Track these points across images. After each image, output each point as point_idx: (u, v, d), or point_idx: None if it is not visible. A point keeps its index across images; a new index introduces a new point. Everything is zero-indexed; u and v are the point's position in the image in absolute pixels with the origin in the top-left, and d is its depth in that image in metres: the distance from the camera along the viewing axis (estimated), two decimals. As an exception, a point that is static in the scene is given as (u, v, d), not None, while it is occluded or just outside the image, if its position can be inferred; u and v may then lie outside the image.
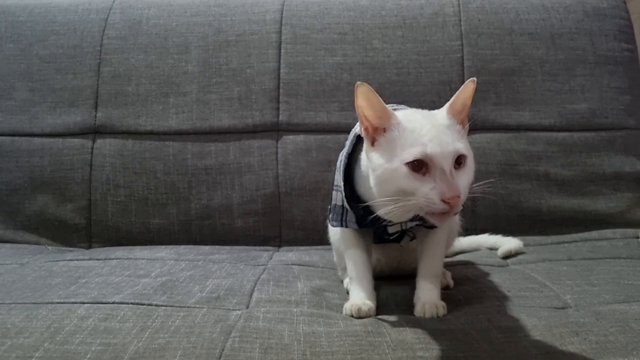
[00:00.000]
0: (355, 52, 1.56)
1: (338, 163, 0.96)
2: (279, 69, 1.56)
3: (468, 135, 1.51)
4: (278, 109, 1.55)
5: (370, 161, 0.84)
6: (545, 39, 1.57)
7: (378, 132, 0.84)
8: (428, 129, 0.80)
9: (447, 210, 0.77)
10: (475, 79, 0.84)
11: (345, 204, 0.93)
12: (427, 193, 0.77)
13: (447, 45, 1.56)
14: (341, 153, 0.96)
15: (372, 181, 0.84)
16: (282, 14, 1.61)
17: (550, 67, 1.56)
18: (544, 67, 1.56)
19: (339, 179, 0.94)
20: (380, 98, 0.82)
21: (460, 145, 0.80)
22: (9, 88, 1.59)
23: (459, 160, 0.80)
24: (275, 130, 1.55)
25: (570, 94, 1.55)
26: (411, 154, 0.78)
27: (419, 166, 0.78)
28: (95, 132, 1.55)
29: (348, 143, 0.94)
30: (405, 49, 1.57)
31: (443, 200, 0.76)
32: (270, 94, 1.55)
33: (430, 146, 0.78)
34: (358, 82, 0.82)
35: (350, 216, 0.94)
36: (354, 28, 1.59)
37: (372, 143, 0.84)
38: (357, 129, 0.91)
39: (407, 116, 0.84)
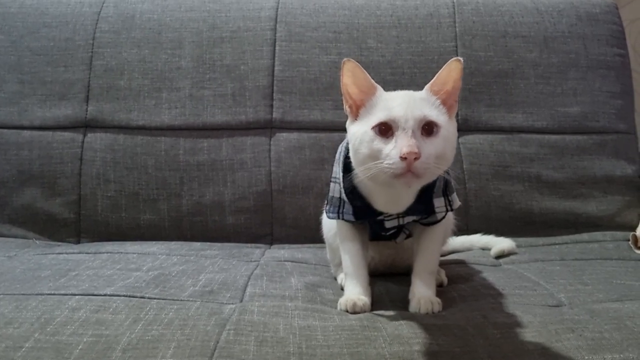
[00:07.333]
0: (350, 51, 1.56)
1: (337, 155, 0.96)
2: (273, 66, 1.56)
3: (463, 135, 1.54)
4: (272, 106, 1.54)
5: (349, 134, 0.87)
6: (539, 42, 1.59)
7: (361, 107, 0.86)
8: (401, 98, 0.83)
9: (405, 170, 0.77)
10: (460, 58, 0.84)
11: (343, 196, 0.92)
12: (388, 153, 0.79)
13: (441, 46, 1.57)
14: (340, 145, 0.96)
15: (351, 154, 0.86)
16: (277, 11, 1.60)
17: (543, 70, 1.57)
18: (537, 70, 1.57)
19: (337, 170, 0.94)
20: (366, 73, 0.85)
21: (430, 112, 0.81)
22: (-1, 80, 1.56)
23: (429, 129, 0.81)
24: (268, 127, 1.54)
25: (563, 97, 1.56)
26: (378, 117, 0.81)
27: (385, 130, 0.80)
28: (86, 126, 1.53)
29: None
30: (399, 49, 1.57)
31: (402, 159, 0.76)
32: (264, 91, 1.54)
33: (396, 110, 0.80)
34: (345, 59, 0.84)
35: (348, 208, 0.93)
36: (349, 27, 1.59)
37: (356, 117, 0.87)
38: None
39: (390, 92, 0.87)
